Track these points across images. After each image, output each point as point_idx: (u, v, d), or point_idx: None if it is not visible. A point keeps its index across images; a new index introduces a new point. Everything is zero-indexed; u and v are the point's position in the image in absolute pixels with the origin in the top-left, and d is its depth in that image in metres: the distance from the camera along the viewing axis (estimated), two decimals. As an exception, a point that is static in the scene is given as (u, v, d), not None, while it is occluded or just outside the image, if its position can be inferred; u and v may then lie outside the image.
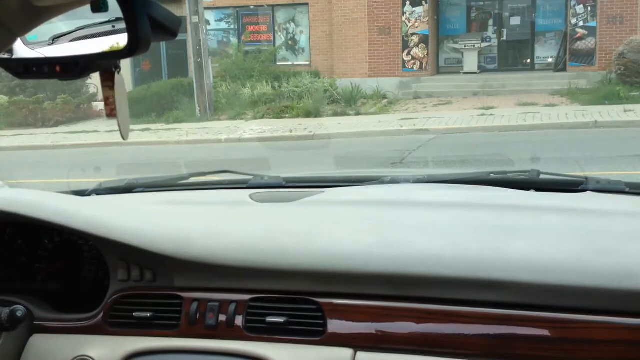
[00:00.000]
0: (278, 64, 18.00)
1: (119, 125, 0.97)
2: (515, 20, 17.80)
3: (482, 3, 18.08)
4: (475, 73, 17.19)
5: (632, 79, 13.96)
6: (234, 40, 18.62)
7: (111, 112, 0.94)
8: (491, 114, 12.68)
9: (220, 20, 19.00)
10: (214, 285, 1.54)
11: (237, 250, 1.53)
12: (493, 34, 17.90)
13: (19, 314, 1.54)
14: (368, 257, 1.44)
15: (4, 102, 16.45)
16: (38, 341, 1.64)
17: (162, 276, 1.58)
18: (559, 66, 16.78)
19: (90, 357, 1.55)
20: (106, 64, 0.91)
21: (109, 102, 0.93)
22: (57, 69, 0.87)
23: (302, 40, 18.41)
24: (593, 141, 9.66)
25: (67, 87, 16.60)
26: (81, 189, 2.21)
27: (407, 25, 17.02)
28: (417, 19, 16.95)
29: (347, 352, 1.40)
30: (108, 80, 0.92)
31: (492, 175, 2.04)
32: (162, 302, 1.57)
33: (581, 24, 16.05)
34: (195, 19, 14.75)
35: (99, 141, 12.54)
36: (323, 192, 1.96)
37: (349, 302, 1.44)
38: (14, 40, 0.85)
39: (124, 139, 0.98)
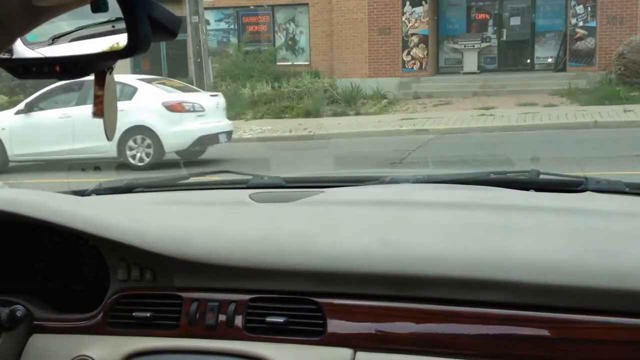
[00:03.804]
0: (278, 64, 18.01)
1: (104, 126, 0.97)
2: (515, 21, 17.81)
3: (482, 3, 18.08)
4: (475, 73, 17.19)
5: (631, 79, 13.97)
6: (234, 40, 18.62)
7: (98, 112, 0.94)
8: (491, 114, 12.69)
9: (220, 20, 19.00)
10: (214, 285, 1.54)
11: (236, 250, 1.53)
12: (493, 34, 17.91)
13: (18, 313, 1.54)
14: (368, 257, 1.44)
15: (3, 101, 16.44)
16: (38, 341, 1.63)
17: (162, 276, 1.58)
18: (559, 66, 16.79)
19: (90, 357, 1.55)
20: (106, 64, 0.91)
21: (98, 101, 0.94)
22: (57, 69, 0.87)
23: (302, 40, 18.41)
24: (593, 141, 9.66)
25: (66, 87, 16.57)
26: (81, 189, 2.21)
27: (407, 26, 17.03)
28: (417, 19, 16.95)
29: (347, 352, 1.40)
30: (100, 80, 0.92)
31: (492, 175, 2.04)
32: (162, 302, 1.57)
33: (581, 24, 16.06)
34: (195, 19, 14.75)
35: (99, 141, 12.54)
36: (323, 192, 1.96)
37: (349, 302, 1.44)
38: (14, 40, 0.85)
39: (108, 139, 0.98)
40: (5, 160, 11.03)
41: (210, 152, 10.80)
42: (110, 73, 0.93)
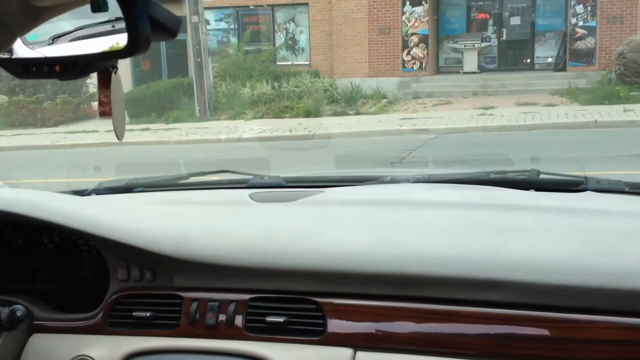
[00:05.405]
0: (278, 63, 18.00)
1: (114, 126, 0.96)
2: (515, 20, 17.80)
3: (482, 3, 18.07)
4: (475, 73, 17.18)
5: (631, 79, 13.96)
6: (233, 40, 18.62)
7: (104, 112, 0.94)
8: (491, 114, 12.68)
9: (220, 20, 18.99)
10: (214, 285, 1.54)
11: (236, 250, 1.53)
12: (493, 33, 17.89)
13: (18, 313, 1.54)
14: (368, 256, 1.44)
15: (3, 101, 16.44)
16: (38, 341, 1.63)
17: (162, 276, 1.58)
18: (559, 66, 16.78)
19: (90, 357, 1.55)
20: (106, 63, 0.91)
21: (104, 102, 0.93)
22: (57, 68, 0.87)
23: (302, 40, 18.40)
24: (593, 141, 9.66)
25: (66, 87, 16.60)
26: (81, 189, 2.21)
27: (407, 25, 17.02)
28: (417, 18, 16.94)
29: (347, 351, 1.40)
30: (104, 80, 0.92)
31: (492, 175, 2.04)
32: (162, 302, 1.57)
33: (581, 23, 16.05)
34: (195, 18, 14.74)
35: (99, 141, 12.55)
36: (323, 191, 1.96)
37: (349, 301, 1.44)
38: (14, 40, 0.85)
39: (118, 139, 0.98)
40: None
41: (211, 152, 10.81)
42: (115, 72, 0.92)
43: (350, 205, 1.85)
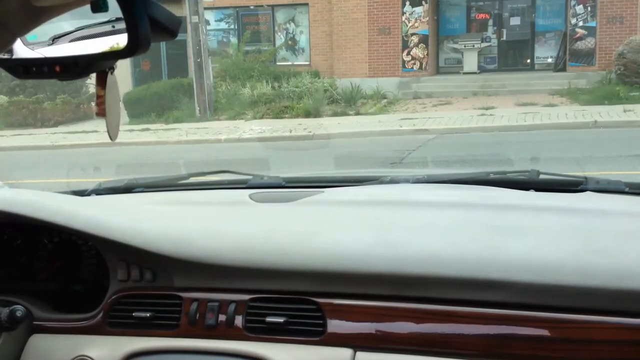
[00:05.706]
0: (278, 64, 18.00)
1: (107, 126, 0.97)
2: (515, 20, 17.81)
3: (482, 3, 18.08)
4: (475, 73, 17.19)
5: (631, 79, 13.96)
6: (234, 40, 18.62)
7: (100, 111, 0.94)
8: (491, 114, 12.69)
9: (220, 20, 19.00)
10: (214, 285, 1.54)
11: (236, 250, 1.53)
12: (493, 34, 17.90)
13: (18, 314, 1.54)
14: (367, 257, 1.44)
15: (3, 102, 16.44)
16: (38, 341, 1.64)
17: (162, 276, 1.58)
18: (559, 66, 16.78)
19: (90, 357, 1.55)
20: (106, 64, 0.91)
21: (100, 101, 0.94)
22: (57, 69, 0.87)
23: (302, 40, 18.41)
24: (593, 141, 9.66)
25: (66, 87, 16.60)
26: (81, 189, 2.21)
27: (407, 25, 17.02)
28: (417, 19, 16.95)
29: (347, 352, 1.40)
30: (101, 80, 0.92)
31: (492, 175, 2.04)
32: (162, 302, 1.57)
33: (581, 24, 16.05)
34: (195, 19, 14.74)
35: (99, 141, 12.55)
36: (323, 192, 1.96)
37: (349, 302, 1.44)
38: (14, 40, 0.85)
39: (111, 139, 0.98)
40: None
41: (211, 152, 10.81)
42: (112, 73, 0.92)
43: (350, 206, 1.85)
